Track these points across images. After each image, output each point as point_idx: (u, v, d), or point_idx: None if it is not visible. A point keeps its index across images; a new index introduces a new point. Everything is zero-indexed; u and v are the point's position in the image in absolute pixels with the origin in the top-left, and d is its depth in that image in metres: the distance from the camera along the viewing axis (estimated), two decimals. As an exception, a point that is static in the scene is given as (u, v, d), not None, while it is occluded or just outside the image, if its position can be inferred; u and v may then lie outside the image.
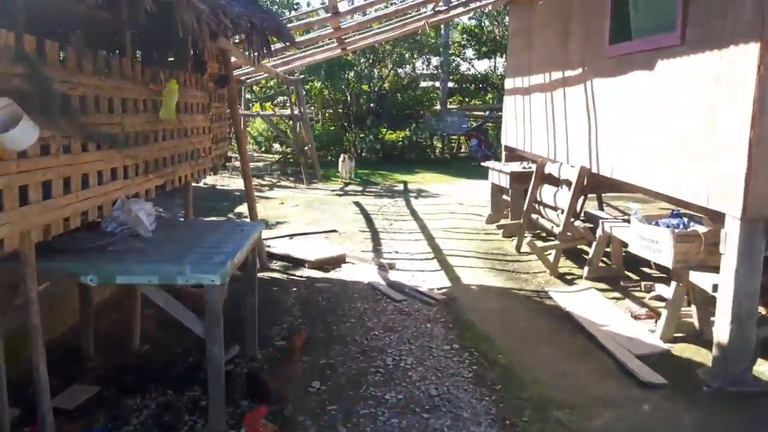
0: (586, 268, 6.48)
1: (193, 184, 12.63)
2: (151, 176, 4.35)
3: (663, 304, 5.43)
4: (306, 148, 14.38)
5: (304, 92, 18.93)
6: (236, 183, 13.61)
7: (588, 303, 5.69)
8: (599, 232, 6.41)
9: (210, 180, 13.78)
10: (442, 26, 20.19)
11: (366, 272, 6.70)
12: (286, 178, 14.31)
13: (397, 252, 7.72)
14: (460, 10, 9.42)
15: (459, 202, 11.43)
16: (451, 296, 5.94)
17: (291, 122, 15.35)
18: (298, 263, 6.99)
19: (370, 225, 9.39)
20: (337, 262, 7.06)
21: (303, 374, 4.18)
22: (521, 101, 8.91)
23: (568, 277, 6.59)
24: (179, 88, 5.01)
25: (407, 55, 20.11)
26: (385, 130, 18.66)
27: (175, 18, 3.61)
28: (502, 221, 9.09)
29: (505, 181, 8.64)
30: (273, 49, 5.69)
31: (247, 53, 5.64)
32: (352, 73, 19.01)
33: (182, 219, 6.40)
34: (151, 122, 4.34)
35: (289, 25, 7.16)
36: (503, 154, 10.10)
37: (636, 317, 5.35)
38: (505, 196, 9.20)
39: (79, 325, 4.48)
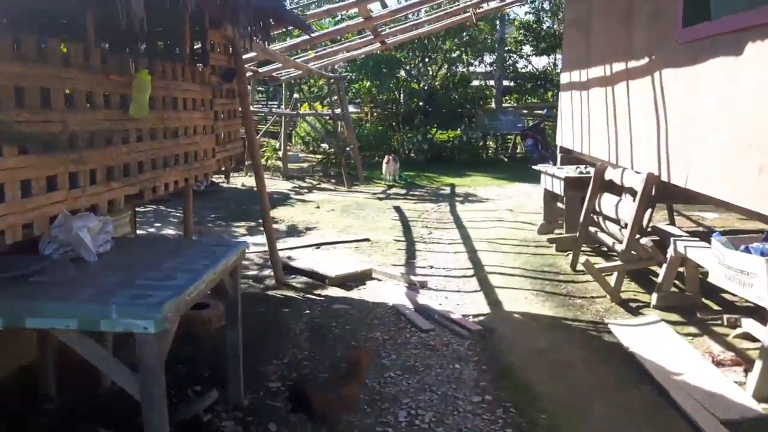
0: (654, 295, 5.40)
1: (228, 185, 12.17)
2: (116, 185, 3.62)
3: (754, 345, 4.34)
4: (348, 148, 13.62)
5: (353, 91, 18.31)
6: (277, 184, 13.00)
7: (657, 341, 4.64)
8: (670, 252, 5.32)
9: (248, 181, 13.23)
10: (497, 22, 19.10)
11: (393, 292, 5.82)
12: (328, 180, 13.58)
13: (432, 267, 6.81)
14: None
15: (509, 209, 10.40)
16: (488, 326, 4.99)
17: (332, 122, 14.60)
18: (318, 279, 6.19)
19: (407, 234, 8.51)
20: (362, 278, 6.22)
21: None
22: (578, 97, 7.84)
23: (633, 305, 5.52)
24: (167, 82, 4.30)
25: (459, 53, 19.10)
26: (434, 129, 17.72)
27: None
28: (556, 233, 8.05)
29: (559, 188, 7.60)
30: (272, 33, 4.89)
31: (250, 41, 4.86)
32: (402, 72, 18.16)
33: (174, 234, 5.70)
34: (116, 120, 3.61)
35: (309, 12, 6.37)
36: (558, 156, 9.04)
37: (718, 363, 4.26)
38: (560, 204, 8.15)
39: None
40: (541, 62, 21.92)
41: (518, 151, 18.50)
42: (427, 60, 18.76)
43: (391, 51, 18.04)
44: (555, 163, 9.46)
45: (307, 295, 5.80)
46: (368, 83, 17.86)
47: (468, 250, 7.56)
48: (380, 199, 11.52)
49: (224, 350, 3.68)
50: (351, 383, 3.63)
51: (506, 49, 20.34)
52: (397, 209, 10.39)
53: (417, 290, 5.93)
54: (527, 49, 20.92)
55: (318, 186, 12.95)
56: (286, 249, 7.36)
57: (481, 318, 5.22)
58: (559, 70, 19.90)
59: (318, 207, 10.48)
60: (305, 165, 16.00)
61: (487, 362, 4.32)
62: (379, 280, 6.26)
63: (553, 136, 15.71)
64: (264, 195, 6.14)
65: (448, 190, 12.83)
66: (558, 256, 7.20)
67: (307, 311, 5.33)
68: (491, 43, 19.56)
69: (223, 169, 5.27)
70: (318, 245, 7.66)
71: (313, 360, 4.35)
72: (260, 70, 9.55)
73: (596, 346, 4.64)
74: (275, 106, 24.33)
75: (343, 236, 8.20)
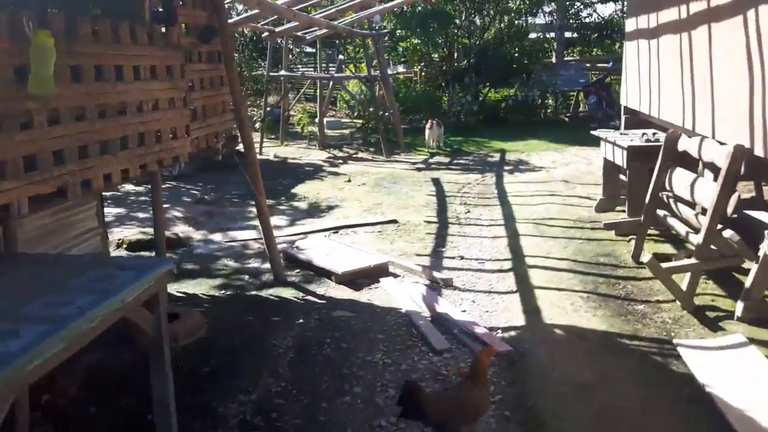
0: (740, 304, 4.21)
1: (260, 155, 11.38)
2: (11, 184, 2.76)
3: None
4: (387, 113, 12.51)
5: (400, 50, 17.04)
6: (312, 155, 12.11)
7: (743, 372, 3.50)
8: (764, 248, 4.10)
9: (282, 151, 12.40)
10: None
11: (409, 293, 4.84)
12: (366, 149, 12.55)
13: (462, 257, 5.78)
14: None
15: (565, 179, 9.13)
16: (520, 347, 3.96)
17: (368, 85, 13.41)
18: (324, 274, 5.28)
19: (441, 213, 7.46)
20: (375, 273, 5.26)
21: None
22: (646, 47, 6.49)
23: (711, 315, 4.35)
24: (102, 47, 3.40)
25: (515, 1, 17.44)
26: (487, 89, 16.32)
27: None
28: (617, 210, 6.83)
29: (621, 158, 6.35)
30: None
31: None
32: (452, 27, 16.72)
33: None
34: (6, 100, 2.73)
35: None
36: (623, 118, 7.72)
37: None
38: (623, 176, 6.89)
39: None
40: (607, 10, 19.92)
41: (581, 110, 16.84)
42: (479, 12, 17.22)
43: (438, 3, 16.69)
44: (619, 127, 8.14)
45: (306, 297, 4.90)
46: (416, 41, 16.53)
47: (509, 235, 6.47)
48: (419, 169, 10.44)
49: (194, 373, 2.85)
50: (470, 389, 2.92)
51: (568, -3, 18.49)
52: (436, 182, 9.32)
53: (439, 290, 4.93)
54: (592, -6, 18.99)
55: (355, 156, 11.96)
56: (295, 236, 6.48)
57: (512, 333, 4.18)
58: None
59: (349, 180, 9.53)
60: (347, 132, 15.02)
61: (513, 404, 3.30)
62: (396, 275, 5.29)
63: (620, 93, 14.14)
64: (256, 177, 5.23)
65: (497, 157, 11.60)
66: (618, 242, 6.02)
67: (301, 320, 4.44)
68: (551, -10, 17.79)
69: (190, 150, 4.35)
70: (336, 229, 6.73)
71: (288, 395, 3.46)
72: (277, 29, 8.55)
73: (660, 381, 3.53)
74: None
75: (367, 217, 7.24)
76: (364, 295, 4.89)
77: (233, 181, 9.39)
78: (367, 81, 12.92)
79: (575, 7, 19.09)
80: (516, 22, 18.02)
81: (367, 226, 6.86)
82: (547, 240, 6.21)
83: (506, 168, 10.41)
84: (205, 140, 4.76)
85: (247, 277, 5.36)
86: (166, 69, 4.12)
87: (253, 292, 5.03)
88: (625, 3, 18.01)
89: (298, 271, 5.45)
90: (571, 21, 18.97)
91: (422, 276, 5.22)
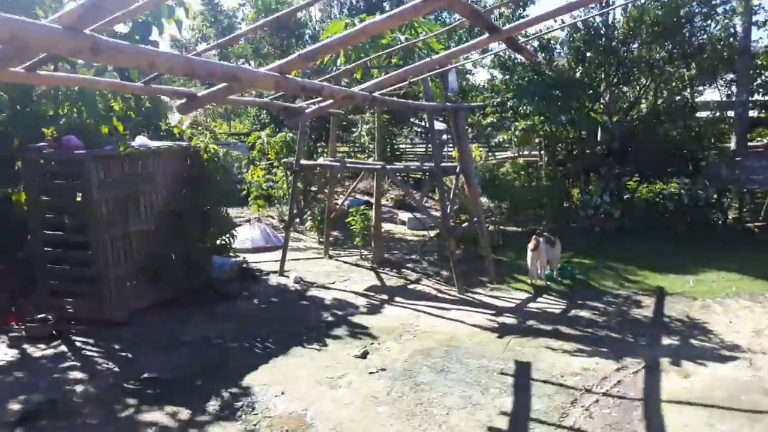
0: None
1: (281, 276, 7.23)
2: None
3: None
4: (465, 223, 8.26)
5: (521, 128, 12.73)
6: (353, 278, 8.13)
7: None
8: None
9: (317, 270, 8.50)
10: (737, 20, 12.38)
11: None
12: (435, 275, 8.31)
13: None
14: None
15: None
16: None
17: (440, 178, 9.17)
18: None
19: None
20: None
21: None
22: None
23: None
24: None
25: (677, 67, 12.62)
26: (634, 183, 11.57)
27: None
28: None
29: None
30: None
31: None
32: (583, 98, 12.27)
33: None
34: None
35: None
36: None
37: None
38: None
39: None
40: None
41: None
42: (626, 81, 12.65)
43: (563, 68, 12.41)
44: None
45: None
46: (536, 116, 12.28)
47: None
48: (502, 334, 5.96)
49: None
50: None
51: (755, 64, 13.24)
52: (521, 376, 4.86)
53: None
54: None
55: (411, 287, 7.75)
56: None
57: None
58: None
59: (364, 355, 5.35)
60: (414, 239, 10.90)
61: None
62: None
63: None
64: None
65: (648, 305, 6.86)
66: None
67: None
68: (727, 52, 12.73)
69: None
70: None
71: None
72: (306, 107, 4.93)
73: None
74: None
75: None
76: None
77: (207, 331, 5.64)
78: (426, 173, 8.79)
79: (764, 76, 13.78)
80: (679, 95, 13.13)
81: None
82: None
83: (666, 343, 5.65)
84: None
85: None
86: None
87: None
88: None
89: None
90: (758, 94, 13.68)
91: None
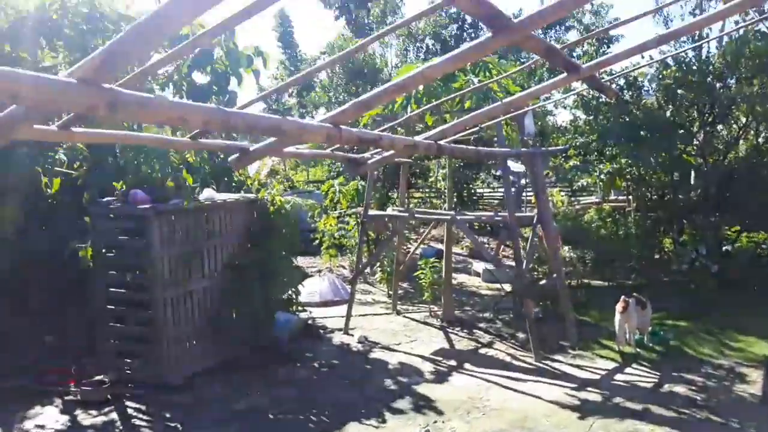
0: None
1: (347, 334, 6.70)
2: None
3: None
4: (541, 280, 7.63)
5: (606, 172, 11.93)
6: (421, 338, 7.67)
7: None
8: None
9: (384, 327, 8.11)
10: None
11: None
12: (510, 337, 7.67)
13: None
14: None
15: None
16: None
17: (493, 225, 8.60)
18: None
19: None
20: None
21: None
22: None
23: None
24: None
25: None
26: (734, 232, 10.51)
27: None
28: None
29: None
30: None
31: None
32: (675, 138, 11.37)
33: None
34: None
35: None
36: None
37: None
38: None
39: None
40: None
41: None
42: (723, 120, 11.66)
43: (652, 106, 11.58)
44: None
45: None
46: (623, 159, 11.48)
47: None
48: (582, 416, 5.28)
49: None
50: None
51: None
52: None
53: None
54: None
55: (484, 350, 7.17)
56: None
57: None
58: None
59: (427, 434, 4.86)
60: (490, 293, 10.26)
61: None
62: None
63: None
64: None
65: (755, 379, 5.98)
66: None
67: None
68: None
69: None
70: None
71: None
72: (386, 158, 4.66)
73: None
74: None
75: None
76: None
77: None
78: (493, 225, 8.22)
79: None
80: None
81: None
82: None
83: (782, 434, 4.83)
84: None
85: None
86: None
87: None
88: None
89: None
90: None
91: None
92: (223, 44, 7.82)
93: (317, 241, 11.97)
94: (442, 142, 4.46)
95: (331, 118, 2.87)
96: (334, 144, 3.41)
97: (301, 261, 12.91)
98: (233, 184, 8.73)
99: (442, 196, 17.06)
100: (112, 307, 6.29)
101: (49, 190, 6.43)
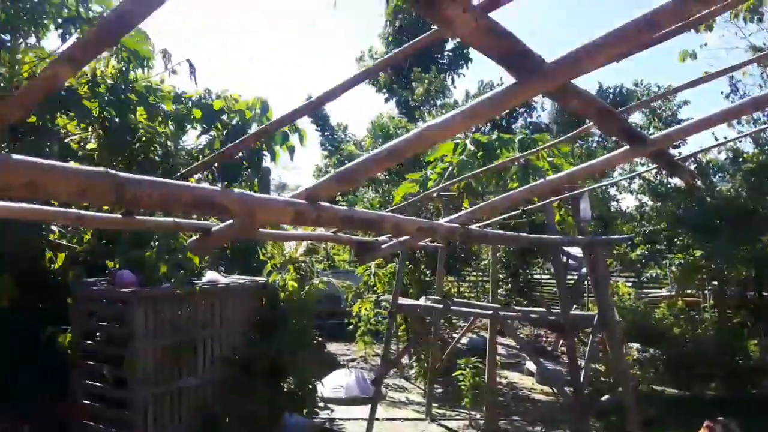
0: None
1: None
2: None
3: None
4: (604, 396, 6.30)
5: (678, 262, 10.49)
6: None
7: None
8: None
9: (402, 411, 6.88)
10: None
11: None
12: (566, 458, 6.33)
13: None
14: None
15: None
16: None
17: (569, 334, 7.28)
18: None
19: None
20: None
21: None
22: None
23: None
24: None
25: None
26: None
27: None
28: None
29: None
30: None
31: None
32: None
33: None
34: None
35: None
36: None
37: None
38: None
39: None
40: None
41: None
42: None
43: (730, 193, 10.27)
44: None
45: None
46: (698, 250, 10.13)
47: None
48: None
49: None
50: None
51: None
52: None
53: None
54: None
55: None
56: None
57: None
58: None
59: None
60: (544, 398, 8.86)
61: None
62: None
63: None
64: None
65: None
66: None
67: None
68: None
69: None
70: None
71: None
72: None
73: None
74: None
75: None
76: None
77: None
78: (553, 329, 7.00)
79: None
80: None
81: None
82: None
83: None
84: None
85: None
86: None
87: None
88: None
89: None
90: None
91: None
92: (257, 119, 7.34)
93: (352, 326, 10.96)
94: (472, 227, 3.48)
95: (304, 193, 1.94)
96: (301, 224, 2.52)
97: (335, 347, 11.89)
98: (254, 265, 7.93)
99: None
100: (88, 402, 5.41)
101: (53, 265, 5.78)
